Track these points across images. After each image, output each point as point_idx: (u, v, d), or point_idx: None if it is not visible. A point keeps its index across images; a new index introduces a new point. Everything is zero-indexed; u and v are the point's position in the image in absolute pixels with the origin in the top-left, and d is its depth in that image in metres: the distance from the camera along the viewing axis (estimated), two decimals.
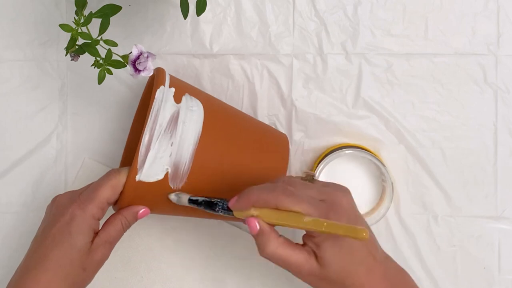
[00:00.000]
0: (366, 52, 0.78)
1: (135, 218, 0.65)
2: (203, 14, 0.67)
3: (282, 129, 0.78)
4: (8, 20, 0.78)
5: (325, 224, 0.55)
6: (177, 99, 0.64)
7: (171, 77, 0.67)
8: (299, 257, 0.58)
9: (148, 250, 0.78)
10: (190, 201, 0.63)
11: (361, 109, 0.78)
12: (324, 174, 0.74)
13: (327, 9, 0.78)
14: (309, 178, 0.64)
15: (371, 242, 0.60)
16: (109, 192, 0.62)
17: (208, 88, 0.78)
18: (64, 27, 0.63)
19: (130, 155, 0.76)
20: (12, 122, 0.78)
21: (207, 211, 0.63)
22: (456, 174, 0.78)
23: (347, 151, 0.73)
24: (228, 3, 0.78)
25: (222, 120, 0.67)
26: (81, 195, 0.62)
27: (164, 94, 0.63)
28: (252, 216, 0.59)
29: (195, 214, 0.68)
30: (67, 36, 0.63)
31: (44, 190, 0.78)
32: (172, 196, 0.64)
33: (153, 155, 0.61)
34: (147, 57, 0.62)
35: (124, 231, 0.65)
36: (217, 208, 0.62)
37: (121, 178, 0.62)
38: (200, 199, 0.63)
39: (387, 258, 0.61)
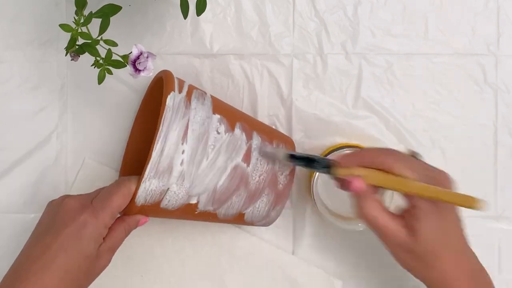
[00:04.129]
0: (366, 52, 0.78)
1: (136, 226, 0.66)
2: (203, 14, 0.67)
3: (282, 129, 0.78)
4: (8, 20, 0.78)
5: (440, 191, 0.58)
6: (187, 104, 0.64)
7: (179, 80, 0.66)
8: (396, 226, 0.60)
9: (148, 250, 0.78)
10: (289, 156, 0.65)
11: (361, 109, 0.78)
12: (324, 175, 0.74)
13: (327, 9, 0.78)
14: (414, 154, 0.64)
15: (464, 231, 0.62)
16: (121, 200, 0.62)
17: (208, 88, 0.78)
18: (64, 27, 0.63)
19: (131, 155, 0.76)
20: (12, 122, 0.78)
21: (304, 167, 0.66)
22: (456, 174, 0.78)
23: (347, 151, 0.73)
24: (228, 3, 0.78)
25: (231, 122, 0.67)
26: (94, 202, 0.62)
27: (174, 101, 0.63)
28: (357, 175, 0.61)
29: (200, 219, 0.68)
30: (67, 36, 0.63)
31: (44, 190, 0.78)
32: (269, 149, 0.66)
33: (164, 165, 0.61)
34: (147, 57, 0.62)
35: (126, 237, 0.65)
36: (316, 165, 0.64)
37: (132, 187, 0.62)
38: (298, 155, 0.65)
39: (473, 252, 0.63)
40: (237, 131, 0.66)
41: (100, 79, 0.64)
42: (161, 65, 0.78)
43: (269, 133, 0.70)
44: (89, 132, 0.79)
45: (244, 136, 0.66)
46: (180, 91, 0.64)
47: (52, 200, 0.65)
